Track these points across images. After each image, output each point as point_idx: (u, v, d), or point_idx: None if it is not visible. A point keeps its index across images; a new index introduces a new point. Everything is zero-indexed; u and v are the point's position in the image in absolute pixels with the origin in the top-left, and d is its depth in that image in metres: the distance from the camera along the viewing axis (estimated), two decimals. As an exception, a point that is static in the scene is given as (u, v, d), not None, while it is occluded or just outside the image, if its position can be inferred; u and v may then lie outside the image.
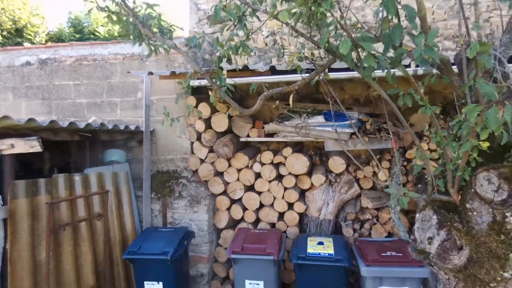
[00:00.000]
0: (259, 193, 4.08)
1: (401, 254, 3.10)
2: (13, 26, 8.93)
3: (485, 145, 1.35)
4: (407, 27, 3.54)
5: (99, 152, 4.47)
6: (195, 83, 3.32)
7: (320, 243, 3.43)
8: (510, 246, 1.48)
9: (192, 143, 4.23)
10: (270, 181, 4.03)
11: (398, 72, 1.52)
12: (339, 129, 3.73)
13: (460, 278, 1.63)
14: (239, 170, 4.10)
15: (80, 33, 10.55)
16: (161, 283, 3.45)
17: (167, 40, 1.85)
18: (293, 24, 1.57)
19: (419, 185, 3.57)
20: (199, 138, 4.13)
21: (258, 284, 3.43)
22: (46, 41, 9.83)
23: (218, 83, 1.94)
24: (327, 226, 3.98)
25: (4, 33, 8.79)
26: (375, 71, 1.48)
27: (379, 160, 3.89)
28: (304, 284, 3.29)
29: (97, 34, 10.40)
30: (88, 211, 3.46)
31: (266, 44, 4.44)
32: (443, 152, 1.71)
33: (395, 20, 1.32)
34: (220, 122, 3.98)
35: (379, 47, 1.37)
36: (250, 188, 4.16)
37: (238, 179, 4.11)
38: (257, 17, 1.67)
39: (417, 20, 1.34)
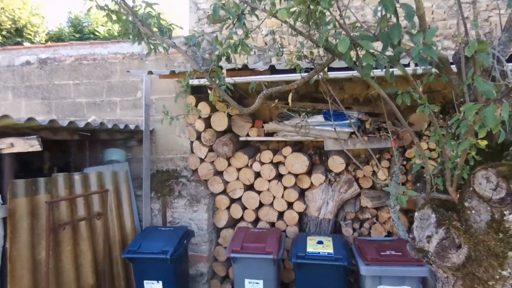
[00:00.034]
0: (259, 192, 4.08)
1: (400, 253, 3.11)
2: (13, 25, 8.93)
3: (483, 143, 1.36)
4: (407, 27, 3.54)
5: (98, 152, 4.47)
6: (194, 82, 3.33)
7: (320, 242, 3.43)
8: (509, 244, 1.48)
9: (191, 142, 4.23)
10: (269, 181, 4.03)
11: (397, 71, 1.53)
12: (338, 128, 3.74)
13: (459, 276, 1.63)
14: (238, 170, 4.10)
15: (80, 32, 10.55)
16: (160, 282, 3.45)
17: (166, 39, 1.86)
18: (292, 23, 1.58)
19: (418, 184, 3.58)
20: (198, 138, 4.14)
21: (257, 283, 3.43)
22: (46, 41, 9.83)
23: (217, 82, 1.94)
24: (326, 226, 3.99)
25: (4, 32, 8.79)
26: (374, 70, 1.48)
27: (378, 160, 3.89)
28: (304, 283, 3.30)
29: (97, 33, 10.40)
30: (88, 210, 3.46)
31: (266, 44, 4.45)
32: (441, 151, 1.71)
33: (394, 19, 1.33)
34: (219, 122, 3.98)
35: (379, 46, 1.38)
36: (249, 188, 4.16)
37: (237, 178, 4.11)
38: (256, 16, 1.68)
39: (416, 19, 1.34)
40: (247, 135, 4.11)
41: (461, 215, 1.66)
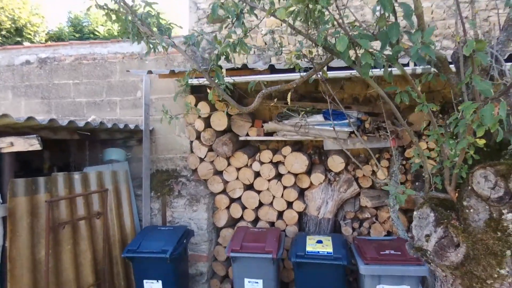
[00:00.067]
0: (259, 192, 4.08)
1: (399, 253, 3.11)
2: (13, 25, 8.94)
3: (481, 142, 1.36)
4: (406, 26, 3.55)
5: (98, 151, 4.47)
6: (193, 81, 3.33)
7: (319, 242, 3.43)
8: (507, 243, 1.49)
9: (191, 142, 4.23)
10: (269, 180, 4.03)
11: (396, 71, 1.53)
12: (338, 128, 3.74)
13: (457, 275, 1.64)
14: (238, 169, 4.10)
15: (79, 32, 10.56)
16: (160, 281, 3.45)
17: (165, 38, 1.86)
18: (291, 22, 1.58)
19: (417, 183, 3.58)
20: (198, 137, 4.14)
21: (257, 282, 3.43)
22: (46, 40, 9.84)
23: (216, 81, 1.95)
24: (326, 225, 3.99)
25: (4, 32, 8.79)
26: (373, 69, 1.49)
27: (378, 159, 3.89)
28: (303, 282, 3.30)
29: (96, 33, 10.41)
30: (88, 210, 3.46)
31: (266, 43, 4.45)
32: (440, 150, 1.72)
33: (392, 18, 1.33)
34: (219, 121, 3.98)
35: (378, 45, 1.38)
36: (249, 187, 4.16)
37: (237, 178, 4.11)
38: (255, 15, 1.68)
39: (414, 18, 1.35)
40: (247, 134, 4.11)
41: (459, 214, 1.67)
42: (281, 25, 4.15)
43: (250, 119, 4.12)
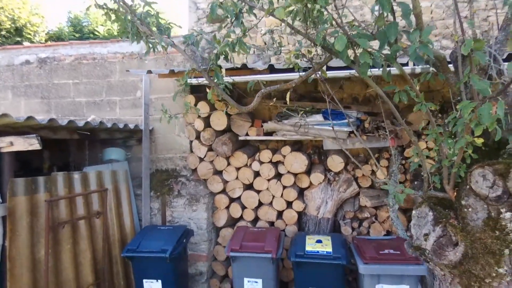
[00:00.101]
0: (258, 191, 4.09)
1: (399, 252, 3.11)
2: (13, 25, 8.94)
3: (479, 141, 1.37)
4: (406, 26, 3.55)
5: (98, 151, 4.48)
6: (193, 81, 3.33)
7: (319, 241, 3.44)
8: (505, 242, 1.49)
9: (191, 141, 4.23)
10: (269, 180, 4.03)
11: (394, 70, 1.53)
12: (337, 127, 3.74)
13: (456, 274, 1.64)
14: (238, 169, 4.11)
15: (79, 32, 10.56)
16: (160, 281, 3.46)
17: (164, 37, 1.86)
18: (290, 22, 1.58)
19: (416, 182, 3.59)
20: (198, 137, 4.14)
21: (256, 282, 3.44)
22: (46, 40, 9.84)
23: (215, 80, 1.95)
24: (325, 225, 3.99)
25: (3, 32, 8.79)
26: (372, 68, 1.49)
27: (377, 159, 3.90)
28: (302, 282, 3.31)
29: (96, 33, 10.42)
30: (87, 209, 3.47)
31: (265, 43, 4.45)
32: (439, 149, 1.72)
33: (391, 18, 1.34)
34: (219, 121, 3.99)
35: (377, 45, 1.38)
36: (249, 187, 4.17)
37: (237, 178, 4.12)
38: (254, 15, 1.68)
39: (413, 18, 1.35)
40: (247, 134, 4.11)
41: (458, 213, 1.67)
42: (281, 25, 4.15)
43: (250, 119, 4.13)
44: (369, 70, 1.46)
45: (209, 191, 4.19)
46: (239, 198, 4.17)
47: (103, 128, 3.78)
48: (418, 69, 2.77)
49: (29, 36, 9.38)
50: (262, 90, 1.95)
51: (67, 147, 4.54)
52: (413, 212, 1.82)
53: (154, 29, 1.92)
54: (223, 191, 4.17)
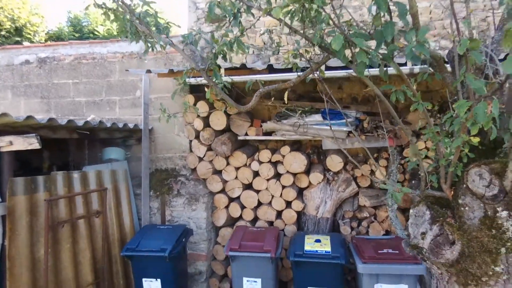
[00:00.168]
0: (257, 191, 4.10)
1: (397, 252, 3.12)
2: (12, 25, 8.95)
3: (475, 140, 1.37)
4: (404, 27, 3.56)
5: (98, 150, 4.49)
6: (191, 80, 3.35)
7: (318, 241, 3.44)
8: (501, 241, 1.50)
9: (190, 141, 4.24)
10: (268, 180, 4.04)
11: (392, 70, 1.54)
12: (336, 127, 3.75)
13: (453, 272, 1.65)
14: (237, 169, 4.11)
15: (79, 32, 10.57)
16: (159, 280, 3.47)
17: (163, 37, 1.87)
18: (288, 22, 1.59)
19: (413, 181, 3.60)
20: (197, 137, 4.15)
21: (255, 281, 3.44)
22: (46, 40, 9.85)
23: (214, 79, 1.96)
24: (324, 224, 4.00)
25: (3, 32, 8.80)
26: (370, 68, 1.50)
27: (376, 159, 3.91)
28: (301, 281, 3.31)
29: (96, 33, 10.42)
30: (87, 209, 3.47)
31: (265, 43, 4.47)
32: (436, 149, 1.73)
33: (387, 17, 1.34)
34: (218, 121, 4.00)
35: (375, 45, 1.39)
36: (248, 187, 4.18)
37: (236, 178, 4.12)
38: (252, 15, 1.69)
39: (409, 18, 1.36)
40: (246, 134, 4.12)
41: (455, 212, 1.68)
42: (280, 25, 4.16)
43: (249, 118, 4.13)
44: (366, 69, 1.47)
45: (209, 191, 4.20)
46: (238, 197, 4.17)
47: (103, 128, 3.78)
48: (416, 69, 2.78)
49: (29, 36, 9.39)
50: (260, 89, 1.96)
51: (66, 147, 4.54)
52: (411, 211, 1.83)
53: (153, 28, 1.93)
54: (223, 191, 4.18)
